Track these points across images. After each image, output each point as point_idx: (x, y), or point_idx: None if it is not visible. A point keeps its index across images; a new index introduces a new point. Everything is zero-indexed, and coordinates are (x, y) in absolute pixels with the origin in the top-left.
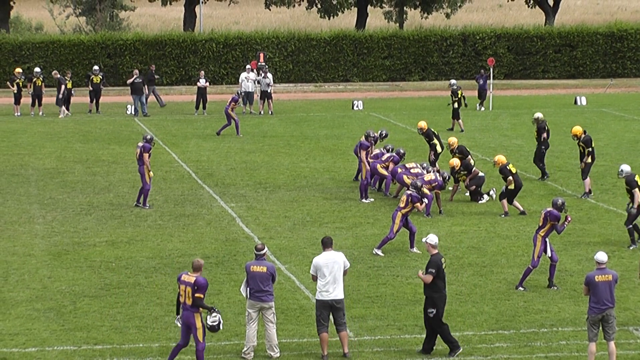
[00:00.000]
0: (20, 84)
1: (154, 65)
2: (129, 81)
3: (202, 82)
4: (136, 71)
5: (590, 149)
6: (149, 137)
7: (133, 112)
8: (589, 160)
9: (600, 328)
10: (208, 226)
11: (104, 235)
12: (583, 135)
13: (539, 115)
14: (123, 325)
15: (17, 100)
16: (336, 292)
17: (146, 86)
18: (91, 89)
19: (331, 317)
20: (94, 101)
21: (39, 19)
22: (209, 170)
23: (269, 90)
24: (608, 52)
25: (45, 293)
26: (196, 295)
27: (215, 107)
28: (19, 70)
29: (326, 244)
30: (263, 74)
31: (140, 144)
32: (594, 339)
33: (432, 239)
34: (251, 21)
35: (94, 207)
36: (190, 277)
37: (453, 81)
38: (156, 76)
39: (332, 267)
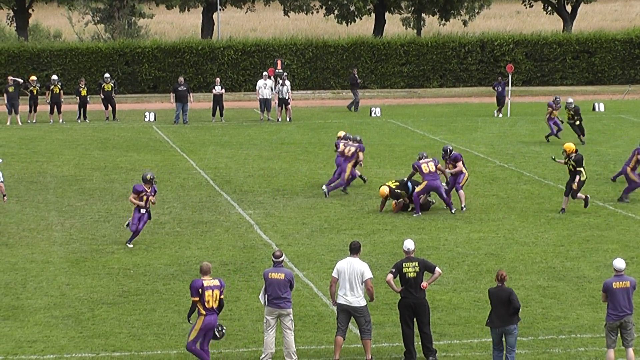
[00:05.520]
0: (35, 91)
1: (355, 69)
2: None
3: (217, 89)
4: (181, 79)
5: (581, 169)
6: (148, 176)
7: (175, 120)
8: (583, 178)
9: (619, 335)
10: (226, 233)
11: (122, 243)
12: (574, 154)
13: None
14: (141, 332)
15: (32, 108)
16: (351, 299)
17: (351, 90)
18: (103, 97)
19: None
20: (109, 108)
21: (58, 26)
22: (227, 177)
23: (286, 97)
24: (626, 59)
25: (64, 300)
26: (222, 296)
27: (233, 114)
28: (33, 77)
29: (352, 249)
30: (281, 81)
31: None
32: (612, 345)
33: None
34: (269, 28)
35: (112, 214)
36: (214, 281)
37: (570, 100)
38: (359, 80)
39: (348, 273)
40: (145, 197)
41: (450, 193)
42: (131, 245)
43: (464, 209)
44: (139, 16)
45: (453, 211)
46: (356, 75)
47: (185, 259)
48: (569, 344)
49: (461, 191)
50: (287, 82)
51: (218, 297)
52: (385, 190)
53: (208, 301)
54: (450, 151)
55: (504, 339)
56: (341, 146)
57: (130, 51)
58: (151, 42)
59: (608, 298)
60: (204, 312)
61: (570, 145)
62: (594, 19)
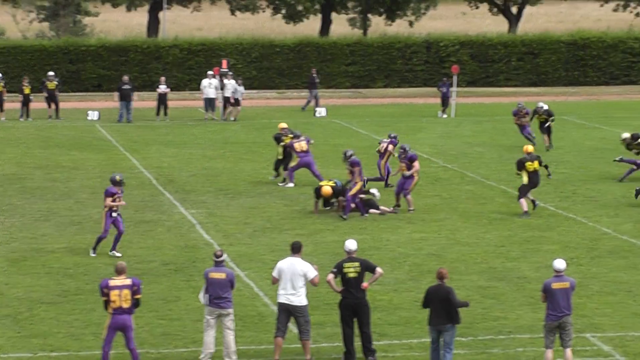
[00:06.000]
0: None
1: (314, 69)
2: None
3: (162, 88)
4: (125, 77)
5: (520, 173)
6: (117, 177)
7: (118, 118)
8: (524, 181)
9: (558, 335)
10: (168, 232)
11: (62, 242)
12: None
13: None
14: (80, 332)
15: None
16: (292, 298)
17: (308, 90)
18: (46, 95)
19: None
20: (52, 107)
21: (1, 23)
22: (170, 176)
23: (240, 99)
24: (570, 60)
25: (2, 300)
26: (137, 296)
27: (178, 113)
28: None
29: (293, 249)
30: (240, 83)
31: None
32: (550, 345)
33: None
34: (215, 27)
35: (53, 213)
36: (125, 281)
37: (541, 104)
38: (317, 80)
39: (289, 273)
40: (118, 200)
41: (399, 196)
42: (119, 254)
43: (412, 211)
44: (84, 14)
45: (345, 216)
46: (315, 74)
47: (127, 259)
48: (508, 344)
49: (409, 196)
50: (233, 82)
51: (129, 297)
52: (329, 189)
53: (114, 301)
54: (408, 150)
55: (441, 338)
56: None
57: (74, 49)
58: (96, 41)
59: (547, 298)
60: (110, 312)
61: (525, 147)
62: (539, 20)
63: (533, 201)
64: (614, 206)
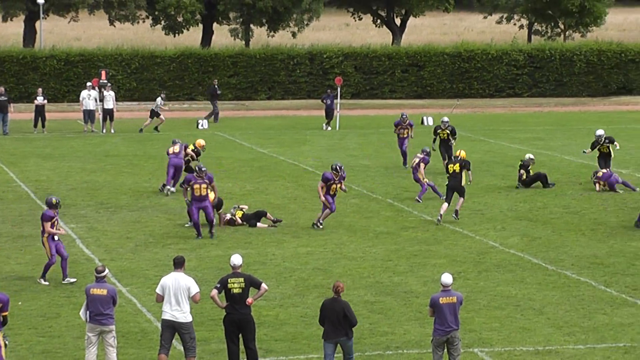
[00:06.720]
0: None
1: (216, 79)
2: None
3: (40, 99)
4: (1, 88)
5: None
6: (54, 200)
7: None
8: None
9: (446, 350)
10: None
11: None
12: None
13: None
14: None
15: None
16: (176, 314)
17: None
18: None
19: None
20: None
21: None
22: (49, 190)
23: (157, 110)
24: (455, 73)
25: None
26: (3, 314)
27: (56, 125)
28: None
29: (176, 264)
30: (164, 97)
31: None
32: None
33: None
34: (93, 37)
35: None
36: None
37: (445, 118)
38: (218, 91)
39: (174, 288)
40: (56, 223)
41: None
42: (74, 279)
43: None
44: None
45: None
46: (216, 86)
47: (4, 274)
48: None
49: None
50: (112, 93)
51: None
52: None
53: None
54: (204, 169)
55: (335, 352)
56: None
57: None
58: None
59: (435, 313)
60: None
61: (457, 152)
62: (422, 32)
63: (456, 211)
64: (501, 220)
